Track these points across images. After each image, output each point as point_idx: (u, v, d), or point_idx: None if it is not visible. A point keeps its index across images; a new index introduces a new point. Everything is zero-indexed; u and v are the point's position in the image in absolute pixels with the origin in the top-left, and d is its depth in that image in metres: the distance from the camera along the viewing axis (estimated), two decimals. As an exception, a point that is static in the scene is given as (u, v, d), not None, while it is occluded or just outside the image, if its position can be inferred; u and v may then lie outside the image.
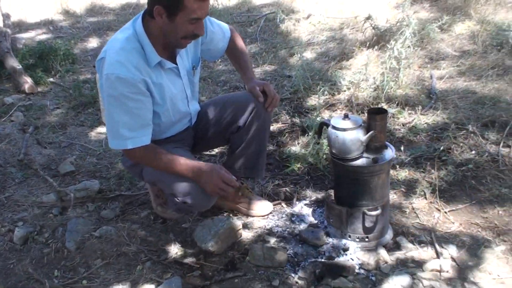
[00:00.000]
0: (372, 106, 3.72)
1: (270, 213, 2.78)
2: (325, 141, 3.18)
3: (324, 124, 2.52)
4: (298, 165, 3.17)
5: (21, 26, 6.83)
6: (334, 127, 2.36)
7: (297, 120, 3.74)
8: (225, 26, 2.66)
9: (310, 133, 3.38)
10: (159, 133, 2.43)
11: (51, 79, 4.85)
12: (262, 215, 2.77)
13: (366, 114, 2.40)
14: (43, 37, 6.25)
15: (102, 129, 3.84)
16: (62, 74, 4.89)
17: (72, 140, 3.68)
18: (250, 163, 2.68)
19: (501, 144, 3.17)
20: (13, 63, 4.76)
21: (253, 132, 2.58)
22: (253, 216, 2.76)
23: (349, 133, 2.32)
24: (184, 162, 2.26)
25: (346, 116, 2.36)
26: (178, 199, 2.30)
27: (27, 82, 4.54)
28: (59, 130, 3.84)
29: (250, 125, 2.56)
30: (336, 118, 2.39)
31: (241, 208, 2.80)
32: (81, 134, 3.78)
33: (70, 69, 5.05)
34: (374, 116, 2.34)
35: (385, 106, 3.77)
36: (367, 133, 2.34)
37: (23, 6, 7.51)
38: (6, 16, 6.18)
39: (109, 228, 2.66)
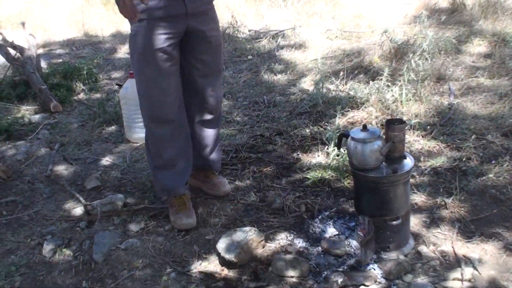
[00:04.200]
0: (389, 118, 3.74)
1: (227, 194, 3.13)
2: (344, 152, 3.22)
3: (344, 136, 2.56)
4: (319, 177, 3.21)
5: (45, 47, 7.00)
6: (353, 139, 2.40)
7: (317, 133, 3.79)
8: None
9: (329, 145, 3.42)
10: None
11: (75, 98, 4.97)
12: (220, 195, 3.12)
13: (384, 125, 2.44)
14: (66, 57, 6.40)
15: (125, 146, 3.93)
16: (86, 93, 5.00)
17: (97, 156, 3.77)
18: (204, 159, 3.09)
19: (521, 153, 3.19)
20: (39, 83, 4.89)
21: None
22: (213, 195, 3.12)
23: (368, 144, 2.36)
24: None
25: (365, 128, 2.41)
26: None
27: (52, 101, 4.65)
28: (84, 147, 3.93)
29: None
30: (355, 130, 2.44)
31: (204, 187, 3.17)
32: (106, 150, 3.86)
33: (93, 87, 5.17)
34: (392, 127, 2.39)
35: (404, 118, 3.80)
36: (386, 143, 2.39)
37: (46, 28, 7.70)
38: (31, 37, 6.32)
39: (135, 241, 2.72)
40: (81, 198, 3.13)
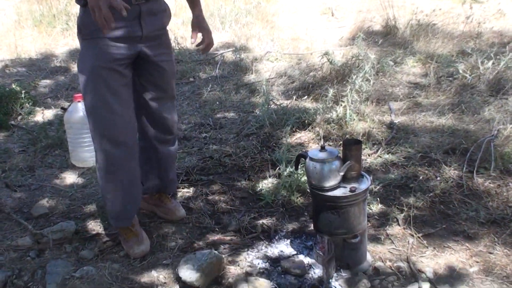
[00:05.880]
0: (346, 138, 3.83)
1: (183, 219, 3.10)
2: (296, 172, 3.27)
3: (302, 156, 2.61)
4: (272, 198, 3.24)
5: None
6: (312, 159, 2.45)
7: (265, 154, 3.82)
8: None
9: (281, 166, 3.46)
10: None
11: (13, 122, 4.79)
12: (175, 220, 3.09)
13: (341, 145, 2.50)
14: (0, 80, 6.17)
15: (71, 171, 3.82)
16: (24, 117, 4.84)
17: (42, 182, 3.64)
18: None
19: (464, 170, 3.33)
20: (-27, 107, 4.70)
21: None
22: (168, 220, 3.09)
23: (327, 164, 2.41)
24: None
25: (323, 148, 2.46)
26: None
27: (-11, 126, 4.48)
28: (28, 173, 3.78)
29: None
30: (313, 150, 2.49)
31: (158, 212, 3.13)
32: (51, 176, 3.74)
33: (32, 111, 5.00)
34: (349, 147, 2.45)
35: (349, 137, 3.90)
36: (343, 163, 2.44)
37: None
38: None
39: (90, 268, 2.64)
40: (29, 226, 3.02)
